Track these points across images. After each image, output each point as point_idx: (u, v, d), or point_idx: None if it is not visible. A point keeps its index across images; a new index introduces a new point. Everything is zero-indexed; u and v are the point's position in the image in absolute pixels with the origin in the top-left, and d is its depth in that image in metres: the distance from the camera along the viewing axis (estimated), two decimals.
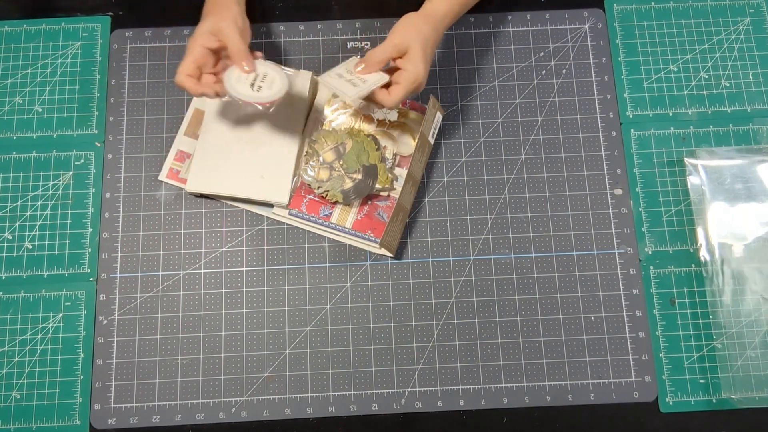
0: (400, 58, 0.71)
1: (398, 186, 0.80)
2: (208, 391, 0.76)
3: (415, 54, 0.70)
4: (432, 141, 0.81)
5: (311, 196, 0.79)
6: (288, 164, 0.79)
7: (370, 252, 0.80)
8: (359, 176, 0.78)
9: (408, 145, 0.81)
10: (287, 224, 0.80)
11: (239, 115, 0.80)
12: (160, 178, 0.81)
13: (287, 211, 0.79)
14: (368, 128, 0.81)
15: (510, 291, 0.79)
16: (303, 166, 0.79)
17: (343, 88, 0.71)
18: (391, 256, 0.79)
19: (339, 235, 0.79)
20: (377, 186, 0.78)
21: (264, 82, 0.72)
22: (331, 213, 0.79)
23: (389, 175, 0.79)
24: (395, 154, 0.81)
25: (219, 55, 0.73)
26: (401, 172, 0.80)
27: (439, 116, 0.81)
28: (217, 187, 0.79)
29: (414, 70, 0.70)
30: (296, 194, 0.79)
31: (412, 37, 0.70)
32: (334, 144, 0.79)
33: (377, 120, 0.81)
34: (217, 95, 0.72)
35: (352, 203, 0.79)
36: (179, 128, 0.83)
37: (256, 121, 0.80)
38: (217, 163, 0.79)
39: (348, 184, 0.78)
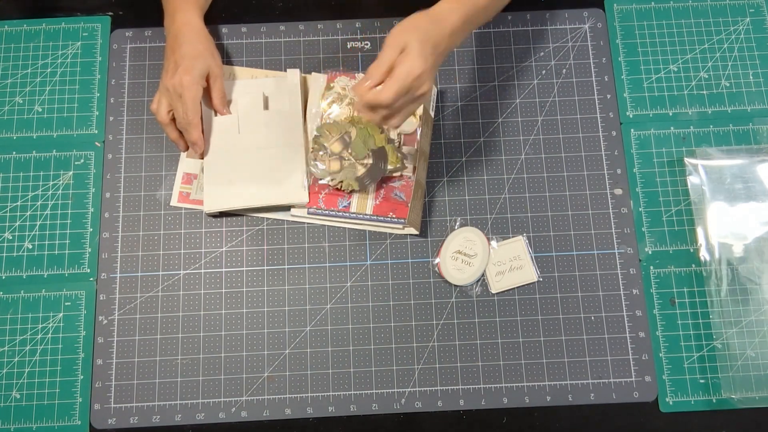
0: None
1: (409, 164, 0.80)
2: (208, 391, 0.76)
3: (412, 48, 0.64)
4: (433, 114, 0.82)
5: (326, 191, 0.79)
6: (298, 163, 0.79)
7: (370, 252, 0.80)
8: (370, 161, 0.78)
9: (410, 122, 0.81)
10: (307, 223, 0.80)
11: (237, 127, 0.80)
12: (171, 203, 0.81)
13: (306, 210, 0.79)
14: None
15: (510, 291, 0.79)
16: (312, 162, 0.79)
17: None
18: (417, 233, 0.79)
19: (361, 224, 0.79)
20: (389, 167, 0.78)
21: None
22: (349, 203, 0.79)
23: (398, 154, 0.79)
24: (399, 134, 0.81)
25: None
26: (409, 150, 0.81)
27: (435, 89, 0.82)
28: (235, 201, 0.78)
29: (409, 63, 0.64)
30: (310, 191, 0.79)
31: (409, 34, 0.66)
32: (338, 135, 0.79)
33: None
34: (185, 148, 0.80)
35: (368, 189, 0.79)
36: (180, 151, 0.82)
37: (256, 127, 0.80)
38: (228, 178, 0.79)
39: (361, 170, 0.78)
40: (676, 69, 0.86)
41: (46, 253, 0.80)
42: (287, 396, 0.76)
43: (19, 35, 0.87)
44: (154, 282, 0.79)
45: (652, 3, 0.88)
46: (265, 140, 0.80)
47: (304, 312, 0.78)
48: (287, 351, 0.77)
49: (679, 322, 0.78)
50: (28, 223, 0.81)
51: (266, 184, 0.78)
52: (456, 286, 0.78)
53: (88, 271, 0.79)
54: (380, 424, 0.76)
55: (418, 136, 0.79)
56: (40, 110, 0.84)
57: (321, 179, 0.79)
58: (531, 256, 0.79)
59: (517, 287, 0.78)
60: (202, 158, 0.80)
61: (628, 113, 0.84)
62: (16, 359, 0.77)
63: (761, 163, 0.80)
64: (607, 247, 0.80)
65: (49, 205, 0.81)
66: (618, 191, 0.82)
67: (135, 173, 0.82)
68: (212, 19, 0.85)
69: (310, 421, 0.76)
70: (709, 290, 0.78)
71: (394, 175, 0.80)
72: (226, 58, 0.86)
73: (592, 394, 0.76)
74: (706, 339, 0.77)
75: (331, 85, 0.82)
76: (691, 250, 0.80)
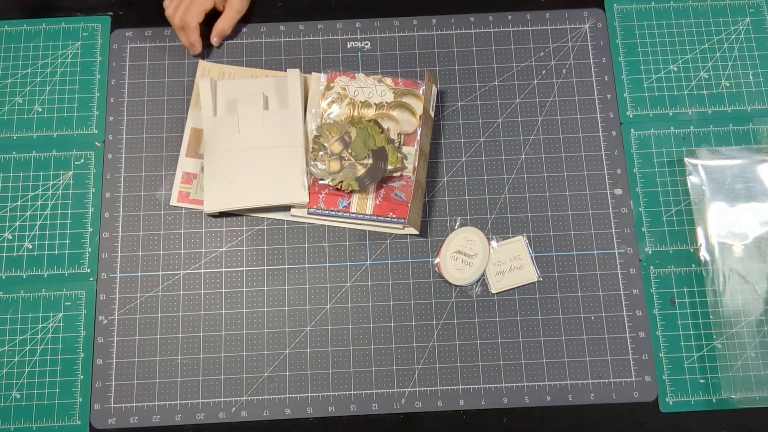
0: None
1: (409, 164, 0.80)
2: (208, 391, 0.76)
3: None
4: (432, 114, 0.82)
5: (326, 191, 0.79)
6: (298, 163, 0.79)
7: (370, 252, 0.80)
8: (370, 161, 0.78)
9: (410, 122, 0.82)
10: (307, 223, 0.80)
11: (237, 126, 0.80)
12: (171, 203, 0.81)
13: (306, 210, 0.79)
14: (368, 113, 0.82)
15: (510, 291, 0.79)
16: (312, 162, 0.79)
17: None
18: (417, 233, 0.79)
19: (361, 224, 0.80)
20: (389, 167, 0.78)
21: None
22: (349, 203, 0.79)
23: (398, 154, 0.79)
24: (399, 134, 0.81)
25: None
26: (409, 150, 0.81)
27: (435, 89, 0.82)
28: (235, 201, 0.78)
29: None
30: (311, 191, 0.80)
31: None
32: (338, 135, 0.79)
33: (375, 104, 0.82)
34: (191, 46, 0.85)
35: (368, 189, 0.79)
36: (180, 151, 0.82)
37: (256, 128, 0.80)
38: (228, 178, 0.79)
39: (360, 170, 0.78)
40: (676, 69, 0.86)
41: (46, 253, 0.80)
42: (287, 396, 0.76)
43: (19, 35, 0.87)
44: (154, 282, 0.79)
45: (652, 3, 0.88)
46: (265, 140, 0.80)
47: (304, 312, 0.78)
48: (287, 351, 0.77)
49: (679, 322, 0.78)
50: (28, 223, 0.81)
51: (266, 184, 0.78)
52: (456, 286, 0.78)
53: (88, 271, 0.79)
54: (380, 424, 0.76)
55: (418, 136, 0.79)
56: (40, 110, 0.84)
57: (321, 179, 0.79)
58: (531, 256, 0.79)
59: (517, 287, 0.79)
60: (196, 54, 0.85)
61: (628, 113, 0.84)
62: (16, 359, 0.77)
63: (761, 163, 0.80)
64: (607, 247, 0.80)
65: (49, 205, 0.81)
66: (618, 191, 0.82)
67: (135, 173, 0.82)
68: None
69: (310, 421, 0.76)
70: (709, 290, 0.78)
71: (394, 175, 0.80)
72: (226, 58, 0.86)
73: (592, 394, 0.76)
74: (706, 339, 0.77)
75: (331, 85, 0.83)
76: (691, 250, 0.80)
